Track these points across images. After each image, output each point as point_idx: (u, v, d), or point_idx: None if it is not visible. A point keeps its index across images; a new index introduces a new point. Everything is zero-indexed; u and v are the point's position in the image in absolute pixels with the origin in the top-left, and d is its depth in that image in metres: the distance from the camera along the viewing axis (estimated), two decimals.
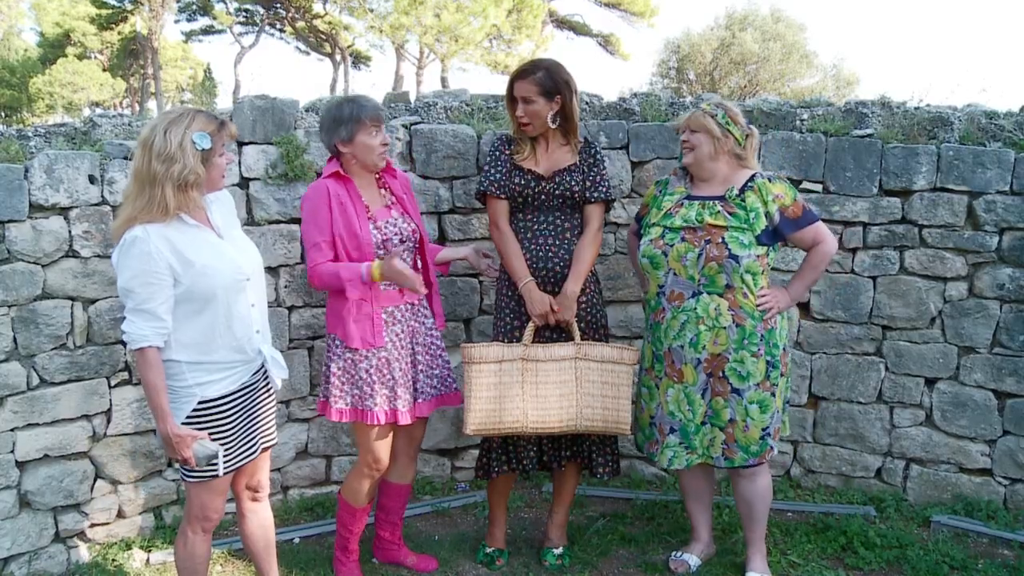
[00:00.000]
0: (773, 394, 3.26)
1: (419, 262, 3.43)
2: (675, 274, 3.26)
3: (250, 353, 2.74)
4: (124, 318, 3.56)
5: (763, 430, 3.26)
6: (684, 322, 3.26)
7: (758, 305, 3.22)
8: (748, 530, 3.50)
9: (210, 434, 2.66)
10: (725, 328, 3.21)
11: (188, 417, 2.64)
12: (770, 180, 3.25)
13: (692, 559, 3.58)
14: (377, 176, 3.33)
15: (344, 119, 3.14)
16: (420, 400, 3.33)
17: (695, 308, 3.23)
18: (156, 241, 2.50)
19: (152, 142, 2.51)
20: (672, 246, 3.25)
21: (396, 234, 3.24)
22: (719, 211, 3.22)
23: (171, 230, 2.55)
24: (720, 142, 3.26)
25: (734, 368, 3.22)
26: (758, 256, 3.19)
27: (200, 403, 2.65)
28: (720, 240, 3.17)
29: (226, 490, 2.85)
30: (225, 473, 2.73)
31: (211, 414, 2.67)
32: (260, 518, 3.08)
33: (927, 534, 3.93)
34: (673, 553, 3.63)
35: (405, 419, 3.23)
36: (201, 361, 2.63)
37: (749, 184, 3.24)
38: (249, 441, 2.82)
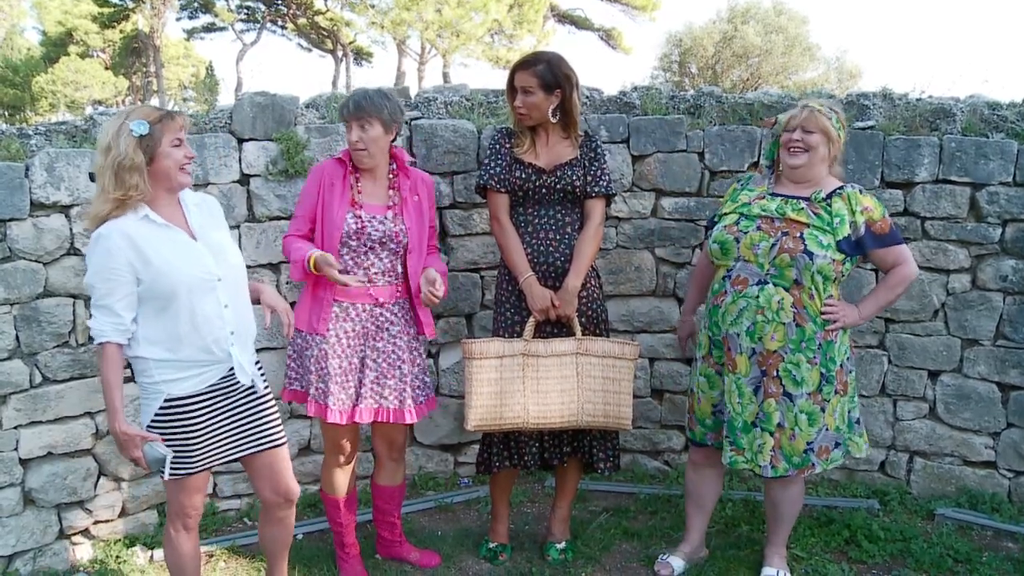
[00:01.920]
0: (823, 409, 3.15)
1: (400, 268, 3.32)
2: (745, 261, 3.15)
3: (218, 354, 2.71)
4: None
5: (808, 443, 3.16)
6: (742, 308, 3.14)
7: (822, 314, 3.11)
8: (771, 530, 3.47)
9: (178, 434, 2.65)
10: (784, 324, 3.10)
11: (155, 416, 2.64)
12: (861, 192, 3.14)
13: (677, 562, 3.51)
14: (391, 177, 3.29)
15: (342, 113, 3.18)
16: (361, 406, 3.23)
17: (757, 296, 3.11)
18: (117, 239, 2.54)
19: (99, 137, 2.60)
20: (746, 233, 3.14)
21: (377, 231, 3.18)
22: (803, 208, 3.10)
23: (135, 228, 2.58)
24: (834, 146, 3.15)
25: (788, 370, 3.12)
26: (834, 260, 3.06)
27: (167, 401, 2.64)
28: (799, 235, 3.06)
29: (203, 488, 2.84)
30: (192, 473, 2.71)
31: (178, 414, 2.66)
32: (286, 525, 3.05)
33: (931, 527, 3.92)
34: (661, 555, 3.58)
35: (333, 417, 3.18)
36: (168, 359, 2.64)
37: (838, 191, 3.13)
38: (228, 441, 2.78)
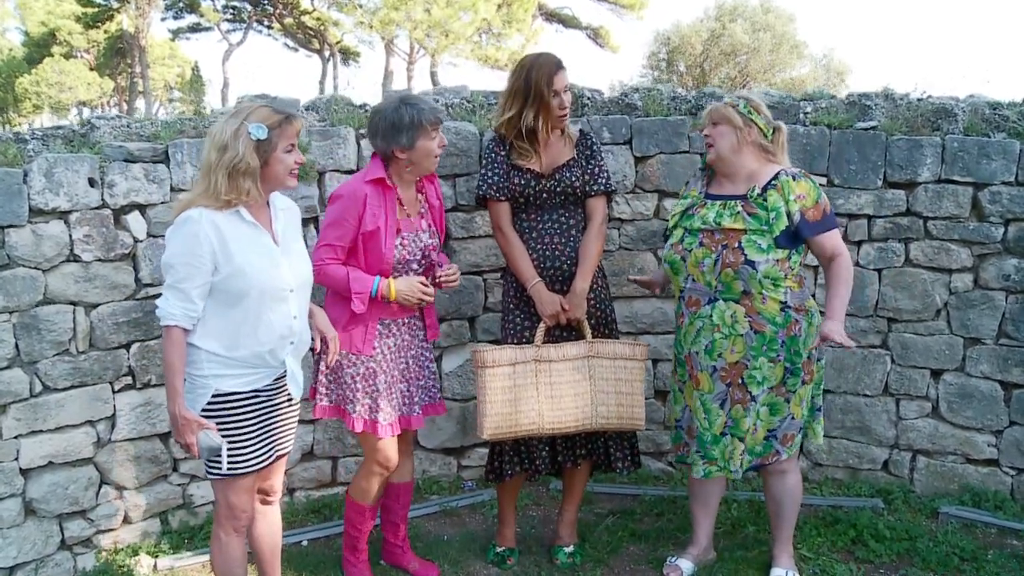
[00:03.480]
0: (788, 400, 3.18)
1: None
2: (694, 280, 3.19)
3: (271, 362, 2.72)
4: (126, 322, 3.57)
5: (769, 431, 3.21)
6: (700, 328, 3.19)
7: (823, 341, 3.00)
8: (776, 528, 3.47)
9: (228, 430, 2.65)
10: (742, 335, 3.12)
11: (204, 410, 2.64)
12: (794, 178, 3.09)
13: (686, 565, 3.50)
14: (417, 179, 3.26)
15: (405, 125, 3.03)
16: (416, 412, 3.29)
17: (710, 315, 3.16)
18: (206, 226, 2.54)
19: (214, 133, 2.58)
20: (690, 251, 3.17)
21: (420, 249, 3.18)
22: (739, 212, 3.10)
23: (225, 220, 2.58)
24: (743, 132, 3.13)
25: (752, 375, 3.14)
26: (778, 260, 3.07)
27: (215, 396, 2.64)
28: (737, 245, 3.07)
29: (251, 488, 2.82)
30: (241, 473, 2.71)
31: (228, 410, 2.66)
32: (269, 521, 3.06)
33: (935, 525, 3.92)
34: (669, 558, 3.57)
35: (384, 433, 3.17)
36: (221, 355, 2.63)
37: (773, 182, 3.10)
38: (266, 447, 2.79)
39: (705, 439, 3.25)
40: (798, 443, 3.32)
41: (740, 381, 3.16)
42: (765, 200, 3.08)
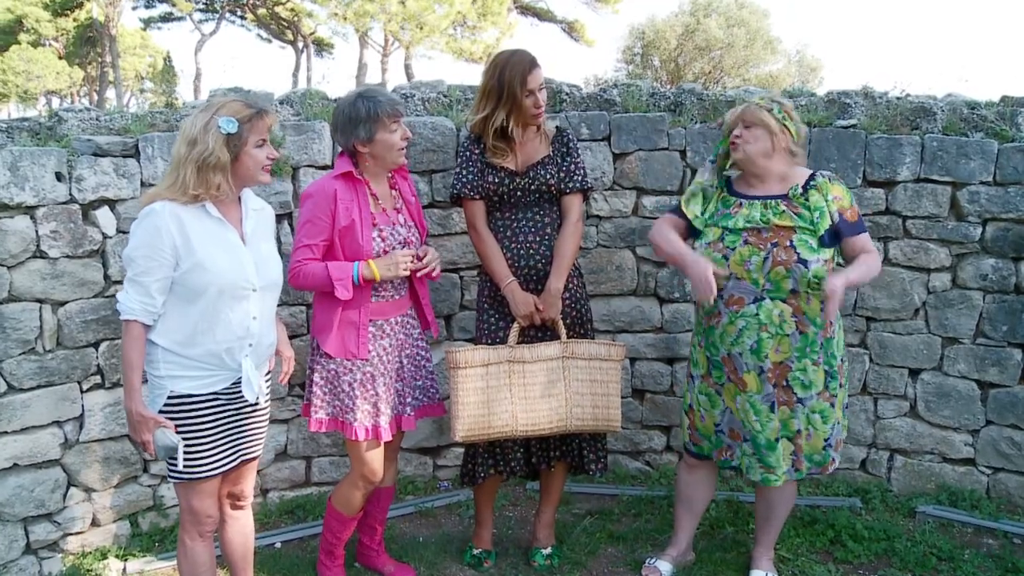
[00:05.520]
0: (832, 404, 3.14)
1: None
2: (737, 278, 3.09)
3: (228, 363, 2.65)
4: (95, 320, 3.49)
5: (825, 440, 3.15)
6: (743, 328, 3.08)
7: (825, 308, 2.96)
8: (761, 531, 3.44)
9: (185, 434, 2.59)
10: (788, 335, 3.05)
11: (161, 411, 2.59)
12: (830, 180, 3.09)
13: (665, 566, 3.46)
14: (389, 175, 3.19)
15: (361, 118, 2.97)
16: (408, 413, 3.21)
17: (757, 314, 3.06)
18: (168, 219, 2.49)
19: (185, 127, 2.55)
20: (734, 249, 3.07)
21: (400, 242, 3.11)
22: (783, 211, 3.06)
23: (188, 214, 2.54)
24: (777, 138, 3.07)
25: (797, 377, 3.08)
26: (825, 261, 3.00)
27: (171, 397, 2.59)
28: (788, 243, 3.00)
29: (214, 492, 2.76)
30: (200, 477, 2.65)
31: (184, 412, 2.60)
32: (241, 525, 3.00)
33: (912, 525, 3.93)
34: (648, 559, 3.54)
35: (387, 436, 3.11)
36: (177, 353, 2.58)
37: (811, 183, 3.08)
38: (228, 451, 2.73)
39: (760, 442, 3.15)
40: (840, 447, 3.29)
41: (785, 383, 3.10)
42: (807, 200, 3.05)
